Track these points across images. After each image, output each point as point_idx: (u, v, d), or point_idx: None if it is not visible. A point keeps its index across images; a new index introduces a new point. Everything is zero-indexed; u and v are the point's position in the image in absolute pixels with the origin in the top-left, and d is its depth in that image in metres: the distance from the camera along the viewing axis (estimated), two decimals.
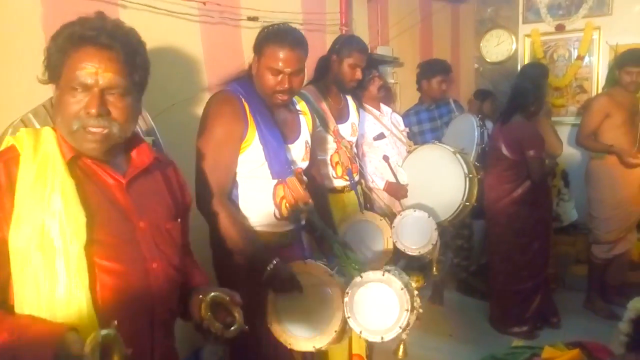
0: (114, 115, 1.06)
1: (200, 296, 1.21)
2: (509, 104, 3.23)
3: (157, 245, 1.15)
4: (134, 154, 1.18)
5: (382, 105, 3.11)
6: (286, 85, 1.70)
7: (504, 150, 3.14)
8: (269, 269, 1.62)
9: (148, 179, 1.19)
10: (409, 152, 2.94)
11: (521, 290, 3.25)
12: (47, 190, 0.99)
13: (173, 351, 1.27)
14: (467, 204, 2.74)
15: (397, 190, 2.82)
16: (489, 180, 3.23)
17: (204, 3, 2.56)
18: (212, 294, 1.21)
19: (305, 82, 2.55)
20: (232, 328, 1.21)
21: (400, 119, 3.24)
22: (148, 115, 1.87)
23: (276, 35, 1.71)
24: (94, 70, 1.03)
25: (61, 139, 1.06)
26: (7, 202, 0.98)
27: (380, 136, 2.92)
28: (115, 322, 0.93)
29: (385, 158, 2.88)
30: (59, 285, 0.98)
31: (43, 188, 0.99)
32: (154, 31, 2.39)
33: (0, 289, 1.00)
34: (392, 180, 2.85)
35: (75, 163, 1.06)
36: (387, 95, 3.21)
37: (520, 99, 3.15)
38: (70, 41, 1.04)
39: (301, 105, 1.97)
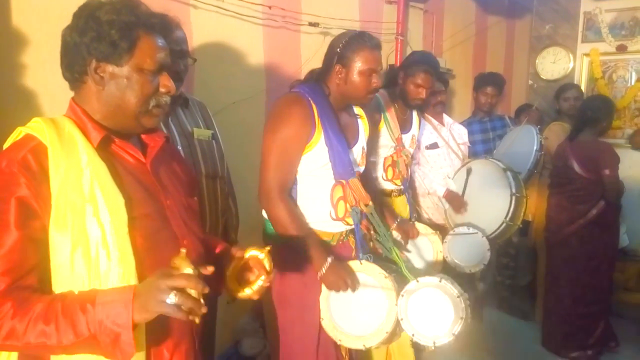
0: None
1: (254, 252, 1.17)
2: (578, 120, 3.10)
3: (184, 222, 1.15)
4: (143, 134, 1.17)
5: (444, 117, 3.07)
6: (380, 83, 1.76)
7: (577, 169, 3.00)
8: (325, 266, 1.66)
9: (164, 158, 1.19)
10: (462, 165, 2.91)
11: (587, 313, 3.11)
12: (83, 177, 0.99)
13: (212, 330, 1.24)
14: (511, 223, 2.66)
15: (456, 199, 2.77)
16: (559, 201, 3.09)
17: (269, 7, 2.65)
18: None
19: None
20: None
21: (463, 131, 3.18)
22: (208, 109, 1.94)
23: (363, 41, 1.76)
24: (164, 54, 1.08)
25: (88, 122, 1.05)
26: (44, 190, 0.96)
27: (434, 145, 2.90)
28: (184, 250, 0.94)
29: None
30: (106, 272, 0.97)
31: (78, 176, 0.98)
32: (221, 31, 2.50)
33: (40, 277, 0.97)
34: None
35: (101, 147, 1.05)
36: (442, 109, 3.17)
37: (591, 113, 3.01)
38: (142, 27, 1.05)
39: (358, 110, 1.99)
